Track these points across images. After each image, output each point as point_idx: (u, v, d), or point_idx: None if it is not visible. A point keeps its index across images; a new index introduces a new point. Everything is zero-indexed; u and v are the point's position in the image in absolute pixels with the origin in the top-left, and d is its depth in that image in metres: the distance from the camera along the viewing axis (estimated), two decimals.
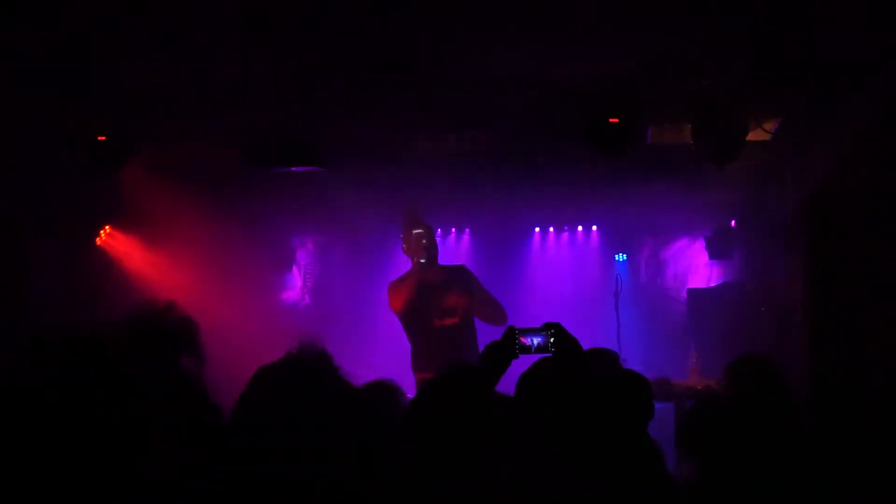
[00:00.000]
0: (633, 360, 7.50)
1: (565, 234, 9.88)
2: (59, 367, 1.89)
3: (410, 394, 3.08)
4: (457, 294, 6.79)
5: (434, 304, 6.76)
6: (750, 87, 6.18)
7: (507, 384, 3.10)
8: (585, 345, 3.64)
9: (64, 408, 1.81)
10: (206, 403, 2.66)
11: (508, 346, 3.48)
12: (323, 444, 2.28)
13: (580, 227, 9.85)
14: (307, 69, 5.89)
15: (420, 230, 6.90)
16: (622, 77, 6.09)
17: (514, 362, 3.47)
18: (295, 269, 10.25)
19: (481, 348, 6.05)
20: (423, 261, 6.78)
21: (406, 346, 8.58)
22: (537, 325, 3.58)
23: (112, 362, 2.01)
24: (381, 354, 8.84)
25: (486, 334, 6.22)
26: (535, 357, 3.31)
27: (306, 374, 2.50)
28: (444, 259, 9.93)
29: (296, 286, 10.30)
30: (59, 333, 2.04)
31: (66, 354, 1.94)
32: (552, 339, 3.47)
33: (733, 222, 9.26)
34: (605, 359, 3.73)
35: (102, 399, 1.86)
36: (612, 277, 9.08)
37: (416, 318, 6.80)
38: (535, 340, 3.50)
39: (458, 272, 6.95)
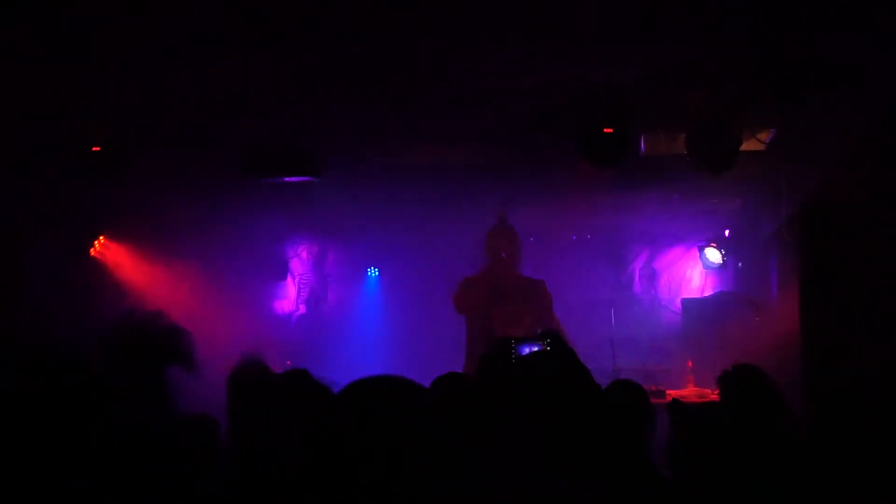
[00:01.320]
0: (628, 369, 7.51)
1: (560, 244, 9.88)
2: (43, 379, 1.88)
3: None
4: (528, 308, 6.52)
5: (501, 312, 6.52)
6: (744, 98, 6.19)
7: None
8: (580, 354, 3.63)
9: (47, 417, 1.80)
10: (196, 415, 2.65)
11: (505, 357, 3.48)
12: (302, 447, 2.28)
13: (575, 237, 9.86)
14: (304, 79, 5.89)
15: (496, 231, 6.65)
16: (617, 87, 6.10)
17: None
18: (289, 278, 10.25)
19: None
20: (494, 261, 6.54)
21: (400, 354, 8.59)
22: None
23: (94, 373, 2.00)
24: (376, 362, 8.85)
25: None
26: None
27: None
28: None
29: (290, 296, 10.29)
30: (45, 346, 2.03)
31: (51, 366, 1.93)
32: (549, 349, 3.48)
33: (727, 232, 9.29)
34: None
35: (84, 410, 1.85)
36: (606, 287, 9.09)
37: (481, 323, 6.53)
38: (532, 350, 3.51)
39: (536, 287, 6.69)
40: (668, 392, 7.30)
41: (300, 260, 10.29)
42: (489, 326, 6.44)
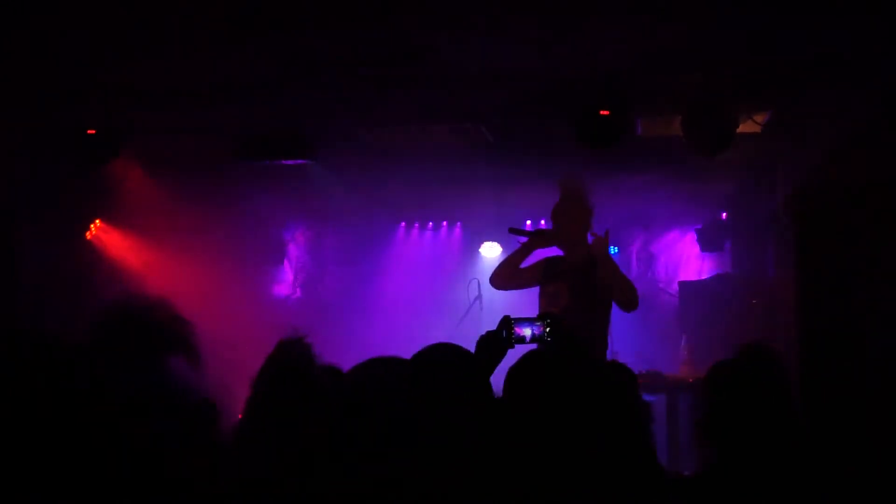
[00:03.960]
0: (624, 352, 7.51)
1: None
2: (32, 369, 1.85)
3: None
4: (568, 285, 5.91)
5: (548, 289, 6.02)
6: (740, 81, 6.17)
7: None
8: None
9: (39, 411, 1.77)
10: (196, 401, 2.62)
11: (503, 337, 3.44)
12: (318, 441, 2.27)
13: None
14: (298, 62, 5.87)
15: (559, 207, 6.12)
16: (613, 70, 6.08)
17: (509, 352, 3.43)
18: (286, 262, 10.25)
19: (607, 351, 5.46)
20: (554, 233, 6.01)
21: (397, 338, 8.59)
22: (532, 315, 3.57)
23: (90, 362, 1.97)
24: (374, 346, 8.85)
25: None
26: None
27: (291, 371, 2.50)
28: (437, 251, 9.88)
29: (287, 280, 10.29)
30: (33, 334, 1.99)
31: (41, 356, 1.90)
32: (548, 330, 3.45)
33: (724, 214, 9.28)
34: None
35: (79, 400, 1.82)
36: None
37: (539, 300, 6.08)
38: (531, 331, 3.48)
39: (591, 262, 5.93)
40: (664, 374, 7.31)
41: (297, 244, 10.28)
42: (541, 308, 5.99)
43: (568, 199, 6.11)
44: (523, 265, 6.09)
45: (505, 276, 6.12)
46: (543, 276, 6.04)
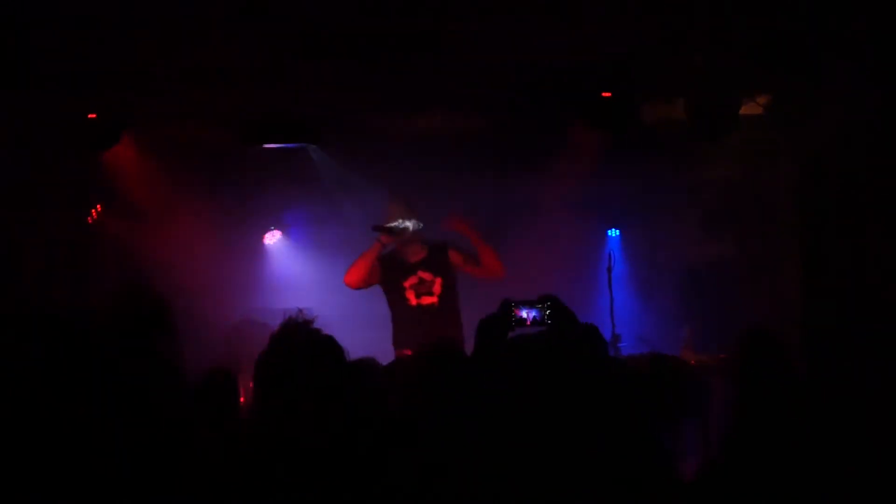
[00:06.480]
0: (626, 336, 7.51)
1: (557, 211, 9.84)
2: (36, 356, 1.85)
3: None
4: (433, 273, 6.63)
5: (411, 282, 6.63)
6: (743, 62, 6.15)
7: None
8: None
9: (42, 399, 1.77)
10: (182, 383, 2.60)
11: (504, 320, 3.44)
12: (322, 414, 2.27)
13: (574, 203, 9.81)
14: (303, 48, 5.87)
15: (390, 209, 6.73)
16: (615, 53, 6.07)
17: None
18: (290, 245, 10.23)
19: (466, 329, 5.95)
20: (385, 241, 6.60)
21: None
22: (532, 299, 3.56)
23: (95, 342, 1.97)
24: (371, 330, 8.86)
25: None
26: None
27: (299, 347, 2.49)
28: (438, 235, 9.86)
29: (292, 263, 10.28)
30: (38, 321, 1.99)
31: (44, 343, 1.90)
32: (548, 312, 3.44)
33: (727, 198, 9.25)
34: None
35: (79, 388, 1.82)
36: (605, 253, 9.07)
37: (392, 296, 6.71)
38: (531, 313, 3.47)
39: (438, 250, 6.73)
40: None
41: (299, 228, 10.27)
42: (404, 301, 6.64)
43: (392, 204, 6.73)
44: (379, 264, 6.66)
45: (364, 274, 6.66)
46: (392, 271, 6.63)
